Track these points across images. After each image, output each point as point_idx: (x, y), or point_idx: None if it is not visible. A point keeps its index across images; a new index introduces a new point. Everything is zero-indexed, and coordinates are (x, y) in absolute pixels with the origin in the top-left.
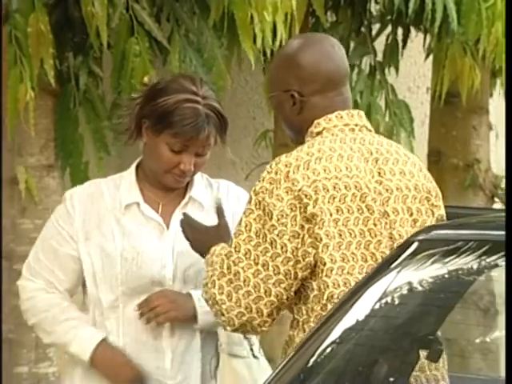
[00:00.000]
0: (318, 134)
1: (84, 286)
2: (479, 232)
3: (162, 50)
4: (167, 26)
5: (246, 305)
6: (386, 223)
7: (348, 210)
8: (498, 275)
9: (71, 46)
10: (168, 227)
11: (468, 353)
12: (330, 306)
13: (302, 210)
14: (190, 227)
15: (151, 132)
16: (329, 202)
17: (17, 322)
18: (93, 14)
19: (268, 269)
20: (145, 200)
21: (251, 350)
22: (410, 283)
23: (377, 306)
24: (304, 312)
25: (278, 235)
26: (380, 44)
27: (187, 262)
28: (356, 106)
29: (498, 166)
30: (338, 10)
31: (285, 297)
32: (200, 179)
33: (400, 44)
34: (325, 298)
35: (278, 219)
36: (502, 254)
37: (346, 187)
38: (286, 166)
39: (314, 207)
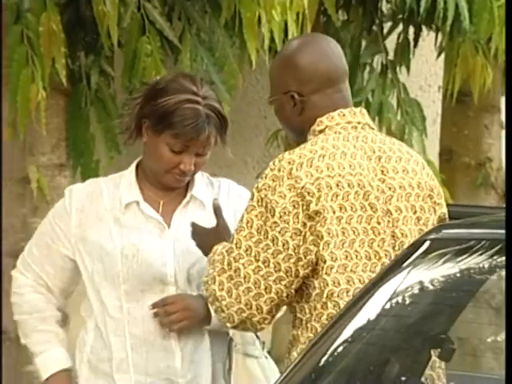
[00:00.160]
0: (321, 132)
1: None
2: (491, 231)
3: (174, 49)
4: (179, 25)
5: (246, 301)
6: (389, 221)
7: (351, 208)
8: None
9: (83, 45)
10: (169, 226)
11: (480, 352)
12: (330, 305)
13: (305, 207)
14: (195, 233)
15: (151, 132)
16: (332, 199)
17: None
18: (104, 13)
19: (269, 266)
20: (145, 199)
21: (263, 349)
22: (421, 282)
23: (388, 306)
24: (307, 311)
25: (279, 232)
26: (391, 43)
27: (190, 260)
28: (368, 104)
29: None
30: (349, 8)
31: (285, 294)
32: (201, 178)
33: (411, 43)
34: (324, 296)
35: (280, 216)
36: None
37: (349, 185)
38: (289, 163)
39: (316, 205)
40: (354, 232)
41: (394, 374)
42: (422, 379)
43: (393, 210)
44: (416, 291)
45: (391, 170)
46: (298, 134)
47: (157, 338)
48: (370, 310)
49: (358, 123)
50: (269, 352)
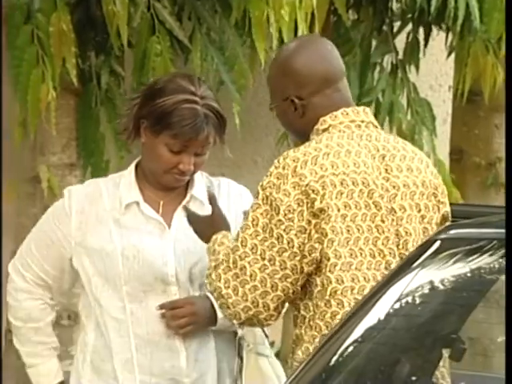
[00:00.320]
0: (324, 130)
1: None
2: (501, 231)
3: (184, 48)
4: (188, 24)
5: (252, 299)
6: (393, 220)
7: (355, 206)
8: None
9: (93, 45)
10: (169, 226)
11: (491, 352)
12: (333, 303)
13: (309, 205)
14: (191, 220)
15: (150, 132)
16: (336, 197)
17: None
18: (114, 13)
19: (275, 264)
20: (144, 199)
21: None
22: (431, 282)
23: (398, 305)
24: (311, 308)
25: (284, 230)
26: (401, 42)
27: (191, 260)
28: (378, 104)
29: None
30: (359, 8)
31: (291, 291)
32: (200, 178)
33: (421, 42)
34: (328, 293)
35: (285, 214)
36: None
37: (353, 183)
38: (294, 160)
39: (321, 202)
40: (359, 230)
41: (405, 373)
42: (433, 379)
43: (397, 208)
44: (426, 291)
45: (395, 169)
46: (302, 135)
47: (161, 338)
48: (381, 310)
49: (362, 122)
50: (278, 352)
